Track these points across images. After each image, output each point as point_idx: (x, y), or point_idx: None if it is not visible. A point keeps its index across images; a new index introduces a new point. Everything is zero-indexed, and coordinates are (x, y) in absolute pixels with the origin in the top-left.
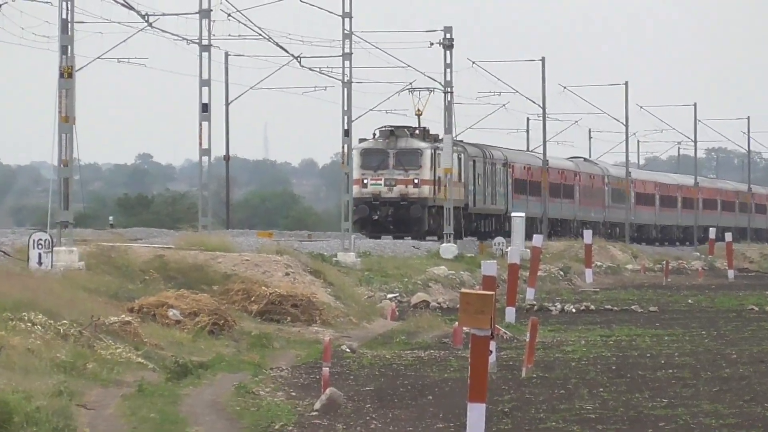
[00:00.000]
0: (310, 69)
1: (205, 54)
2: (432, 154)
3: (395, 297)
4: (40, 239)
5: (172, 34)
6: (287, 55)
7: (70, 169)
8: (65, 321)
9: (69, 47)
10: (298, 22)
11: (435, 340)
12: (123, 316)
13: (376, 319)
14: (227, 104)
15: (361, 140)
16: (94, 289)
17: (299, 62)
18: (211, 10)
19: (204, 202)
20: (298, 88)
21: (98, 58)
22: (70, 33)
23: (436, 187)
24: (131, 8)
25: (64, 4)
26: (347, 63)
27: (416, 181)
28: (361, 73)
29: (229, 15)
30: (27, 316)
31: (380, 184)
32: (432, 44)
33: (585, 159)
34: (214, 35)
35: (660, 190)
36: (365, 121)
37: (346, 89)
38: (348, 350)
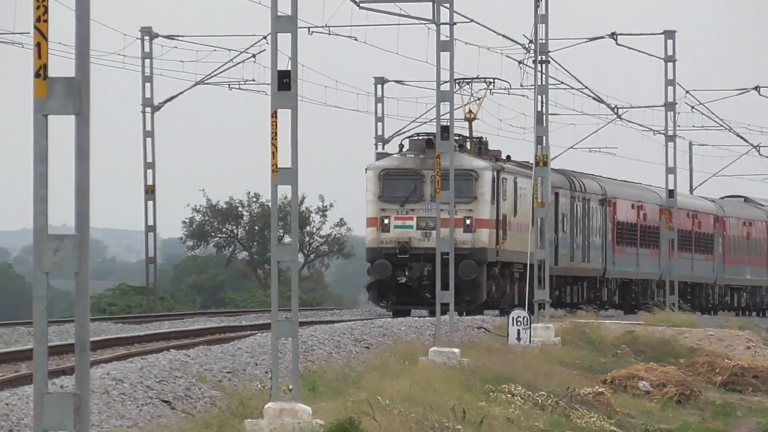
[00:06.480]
0: None
1: (670, 144)
2: (494, 178)
3: None
4: (519, 317)
5: (640, 125)
6: (747, 144)
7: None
8: (542, 392)
9: (544, 137)
10: (760, 112)
11: None
12: (596, 387)
13: None
14: (691, 189)
15: (380, 155)
16: (569, 362)
17: (758, 152)
18: (676, 103)
19: (671, 286)
20: (757, 175)
21: (571, 147)
22: (545, 124)
23: (500, 232)
24: (602, 102)
25: (539, 98)
26: None
27: (468, 221)
28: None
29: (692, 107)
30: (507, 388)
31: (411, 227)
32: None
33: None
34: (678, 126)
35: None
36: None
37: None
38: None
